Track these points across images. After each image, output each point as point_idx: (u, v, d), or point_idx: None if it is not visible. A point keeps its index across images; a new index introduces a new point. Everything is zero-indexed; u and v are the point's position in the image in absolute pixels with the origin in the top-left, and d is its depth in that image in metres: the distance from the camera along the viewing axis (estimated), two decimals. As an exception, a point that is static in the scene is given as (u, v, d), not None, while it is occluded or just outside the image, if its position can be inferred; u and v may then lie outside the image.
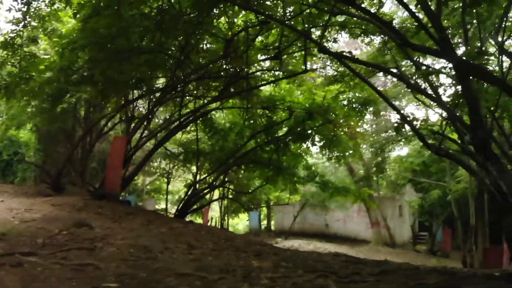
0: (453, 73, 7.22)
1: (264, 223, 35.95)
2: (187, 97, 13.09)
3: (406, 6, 6.19)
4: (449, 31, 11.01)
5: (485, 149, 6.40)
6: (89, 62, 9.04)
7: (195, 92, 13.17)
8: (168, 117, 14.12)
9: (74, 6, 7.92)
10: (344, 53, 6.78)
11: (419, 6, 6.52)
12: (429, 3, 6.71)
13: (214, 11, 10.12)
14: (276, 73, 13.31)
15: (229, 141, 15.54)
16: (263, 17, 8.65)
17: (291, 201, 23.31)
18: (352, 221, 29.74)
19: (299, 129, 14.15)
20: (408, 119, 8.03)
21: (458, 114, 7.43)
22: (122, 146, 11.64)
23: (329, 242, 27.04)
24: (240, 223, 44.15)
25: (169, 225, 9.24)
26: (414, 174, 25.81)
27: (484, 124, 6.39)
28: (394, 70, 10.57)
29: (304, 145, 16.48)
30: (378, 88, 15.58)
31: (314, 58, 13.87)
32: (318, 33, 11.54)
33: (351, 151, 16.51)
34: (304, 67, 10.46)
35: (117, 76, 10.51)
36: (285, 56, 12.36)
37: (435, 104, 7.70)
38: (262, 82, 12.23)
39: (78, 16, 7.93)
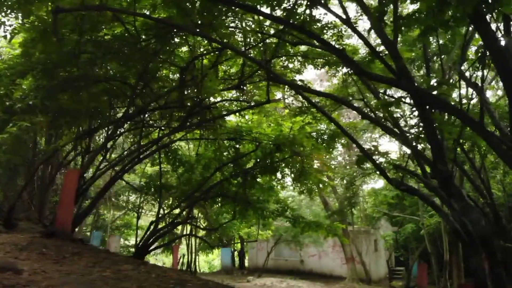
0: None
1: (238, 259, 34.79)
2: (149, 128, 12.54)
3: (358, 33, 5.87)
4: (416, 64, 10.91)
5: (447, 184, 6.00)
6: (35, 90, 8.45)
7: (157, 122, 12.65)
8: (131, 148, 13.45)
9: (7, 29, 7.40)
10: (299, 83, 6.40)
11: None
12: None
13: (175, 40, 9.79)
14: (242, 103, 12.95)
15: (196, 174, 14.95)
16: (218, 45, 8.27)
17: (263, 237, 22.57)
18: (327, 256, 29.00)
19: (267, 161, 13.71)
20: (371, 151, 7.66)
21: (421, 147, 7.08)
22: (75, 180, 10.92)
23: (304, 279, 26.17)
24: (216, 259, 42.75)
25: (117, 267, 8.45)
26: (390, 208, 25.47)
27: (445, 158, 6.01)
28: (356, 104, 10.32)
29: (275, 178, 16.05)
30: (350, 120, 15.39)
31: (286, 90, 13.59)
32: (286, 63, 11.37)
33: (321, 184, 16.12)
34: (267, 97, 10.07)
35: (69, 106, 9.95)
36: (250, 86, 12.06)
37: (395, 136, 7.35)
38: (224, 112, 11.76)
39: (14, 40, 7.41)
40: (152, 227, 13.81)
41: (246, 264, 32.73)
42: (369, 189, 28.83)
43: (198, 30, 7.24)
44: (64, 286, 5.53)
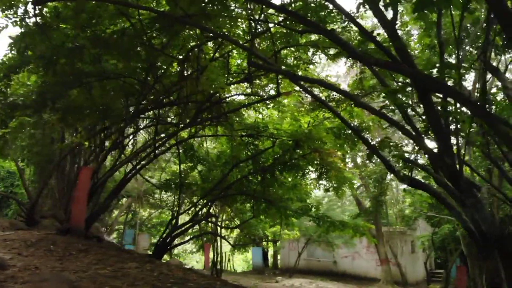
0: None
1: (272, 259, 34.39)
2: (164, 124, 12.40)
3: (340, 8, 5.34)
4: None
5: (455, 179, 5.39)
6: (40, 86, 8.44)
7: (174, 118, 12.50)
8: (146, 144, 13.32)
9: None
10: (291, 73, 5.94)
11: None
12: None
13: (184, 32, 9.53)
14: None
15: (216, 171, 14.75)
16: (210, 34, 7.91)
17: (289, 237, 22.07)
18: (361, 258, 28.08)
19: (286, 158, 13.26)
20: (380, 144, 7.10)
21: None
22: (88, 178, 10.93)
23: (336, 280, 25.47)
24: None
25: (120, 265, 8.30)
26: (430, 207, 24.25)
27: (452, 150, 5.39)
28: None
29: (297, 176, 15.56)
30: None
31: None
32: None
33: (347, 182, 15.44)
34: (277, 91, 9.64)
35: (79, 103, 9.93)
36: (265, 80, 11.66)
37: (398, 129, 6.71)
38: (238, 107, 11.39)
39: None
40: (170, 225, 13.76)
41: (279, 264, 32.31)
42: (406, 188, 27.70)
43: (194, 20, 6.90)
44: (42, 283, 5.37)
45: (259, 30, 8.88)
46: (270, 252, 34.48)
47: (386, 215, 27.36)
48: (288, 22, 8.64)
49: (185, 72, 8.72)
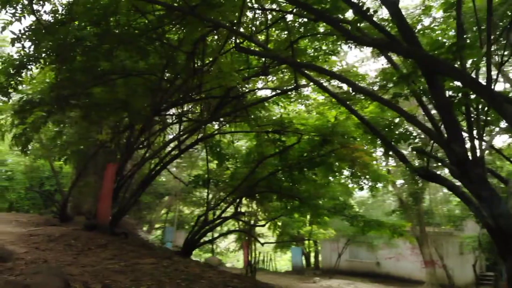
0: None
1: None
2: (188, 121, 12.38)
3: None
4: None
5: (463, 168, 4.90)
6: (56, 83, 8.60)
7: (196, 114, 12.47)
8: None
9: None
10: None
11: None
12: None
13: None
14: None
15: (247, 168, 14.56)
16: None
17: (324, 237, 21.51)
18: (405, 259, 26.95)
19: (314, 154, 12.84)
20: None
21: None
22: (113, 175, 11.10)
23: (378, 282, 24.57)
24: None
25: (135, 261, 8.30)
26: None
27: (461, 137, 4.90)
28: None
29: (330, 174, 15.07)
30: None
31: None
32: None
33: (379, 180, 14.74)
34: (294, 83, 9.31)
35: (104, 100, 10.06)
36: (288, 74, 11.34)
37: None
38: (256, 101, 11.13)
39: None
40: (199, 222, 13.72)
41: (320, 264, 31.70)
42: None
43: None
44: (34, 275, 5.39)
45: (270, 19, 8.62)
46: (313, 252, 33.92)
47: (432, 215, 26.14)
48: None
49: (194, 65, 8.56)
